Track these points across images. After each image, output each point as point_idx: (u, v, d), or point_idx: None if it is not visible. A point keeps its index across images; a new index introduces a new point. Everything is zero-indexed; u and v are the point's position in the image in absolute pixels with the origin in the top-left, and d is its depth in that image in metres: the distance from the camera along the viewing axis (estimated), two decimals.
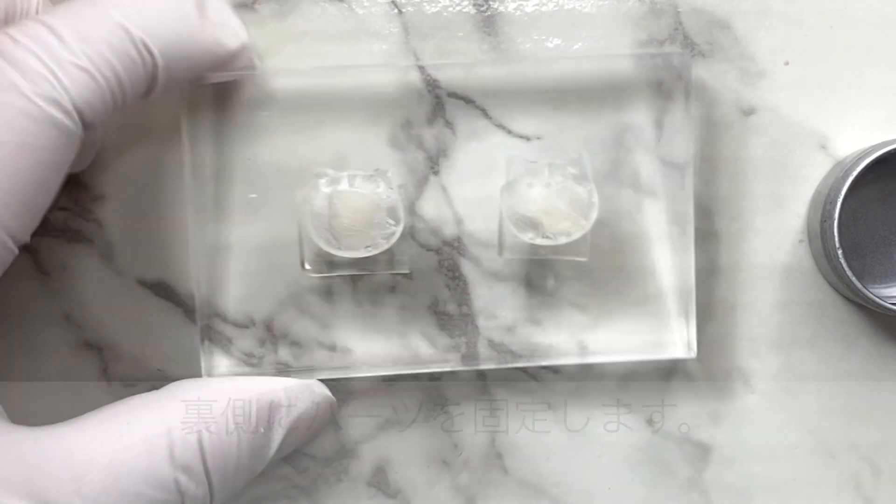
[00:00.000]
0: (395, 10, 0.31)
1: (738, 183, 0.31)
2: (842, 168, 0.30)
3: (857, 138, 0.31)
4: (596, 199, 0.28)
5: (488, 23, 0.31)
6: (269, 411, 0.26)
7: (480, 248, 0.31)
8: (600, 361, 0.31)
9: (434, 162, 0.31)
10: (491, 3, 0.31)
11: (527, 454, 0.32)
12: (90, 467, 0.22)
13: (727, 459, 0.32)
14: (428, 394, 0.32)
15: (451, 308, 0.31)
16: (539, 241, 0.28)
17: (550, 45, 0.31)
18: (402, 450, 0.32)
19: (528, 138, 0.31)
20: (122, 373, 0.31)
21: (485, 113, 0.31)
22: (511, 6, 0.31)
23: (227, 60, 0.27)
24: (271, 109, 0.30)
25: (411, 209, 0.31)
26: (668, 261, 0.30)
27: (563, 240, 0.28)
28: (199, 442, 0.24)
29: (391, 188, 0.28)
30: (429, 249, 0.31)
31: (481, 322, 0.31)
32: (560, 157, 0.29)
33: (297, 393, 0.27)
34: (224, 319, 0.30)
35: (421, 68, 0.30)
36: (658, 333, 0.31)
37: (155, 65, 0.25)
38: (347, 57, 0.31)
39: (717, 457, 0.32)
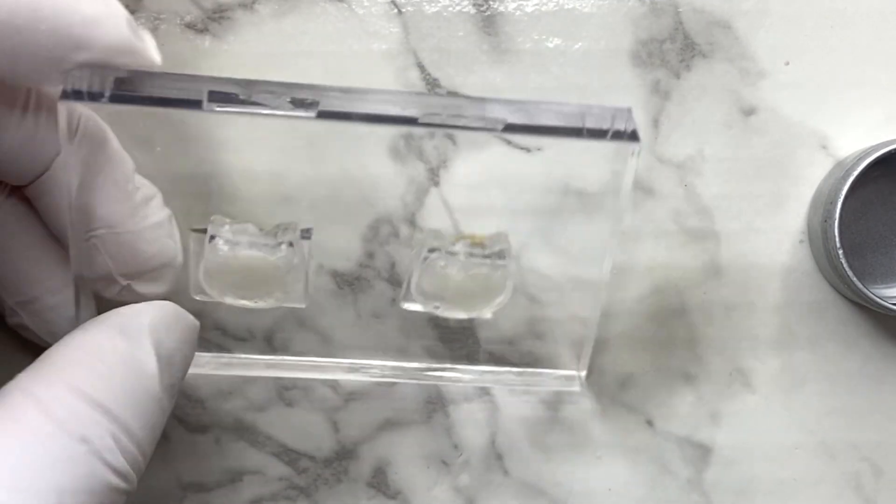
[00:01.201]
0: (395, 10, 0.31)
1: (739, 183, 0.31)
2: (842, 168, 0.30)
3: (857, 138, 0.31)
4: (509, 282, 0.27)
5: (488, 23, 0.31)
6: (116, 329, 0.23)
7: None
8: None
9: (434, 173, 0.31)
10: (491, 2, 0.31)
11: (527, 455, 0.32)
12: None
13: (727, 460, 0.32)
14: (428, 394, 0.32)
15: (452, 320, 0.31)
16: (442, 314, 0.28)
17: (550, 45, 0.31)
18: (402, 450, 0.32)
19: (528, 150, 0.30)
20: None
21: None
22: (511, 6, 0.31)
23: (87, 37, 0.22)
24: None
25: (411, 220, 0.31)
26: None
27: (465, 315, 0.28)
28: (64, 384, 0.22)
29: (291, 245, 0.26)
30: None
31: (482, 334, 0.31)
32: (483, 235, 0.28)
33: (137, 309, 0.24)
34: (224, 332, 0.30)
35: (424, 74, 0.30)
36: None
37: None
38: (347, 57, 0.31)
39: (718, 457, 0.32)
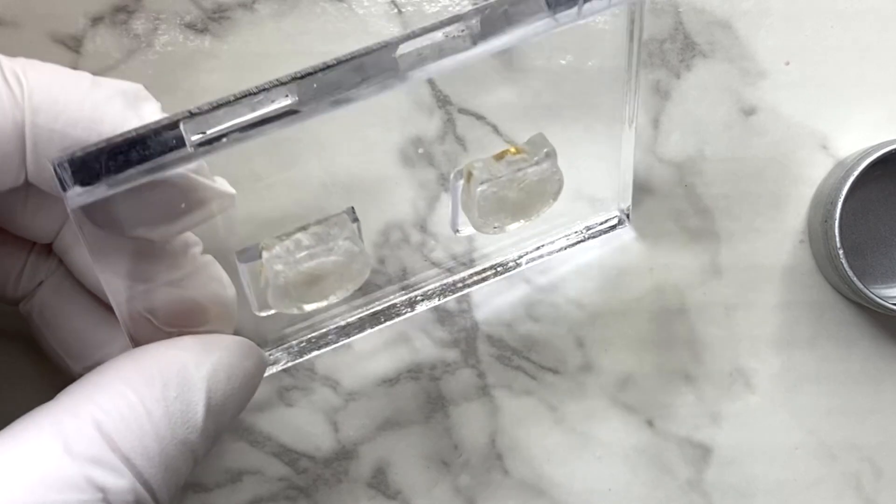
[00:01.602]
0: (395, 10, 0.31)
1: (739, 183, 0.31)
2: (843, 168, 0.30)
3: (858, 138, 0.31)
4: (560, 175, 0.27)
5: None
6: (172, 372, 0.22)
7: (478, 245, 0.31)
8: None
9: (445, 178, 0.31)
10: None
11: (527, 455, 0.32)
12: None
13: (728, 460, 0.32)
14: (428, 394, 0.32)
15: (451, 303, 0.31)
16: (500, 231, 0.27)
17: (563, 63, 0.31)
18: (402, 451, 0.32)
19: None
20: None
21: (495, 129, 0.31)
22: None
23: None
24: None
25: (422, 226, 0.31)
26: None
27: (526, 220, 0.27)
28: (97, 427, 0.21)
29: (352, 237, 0.25)
30: (439, 267, 0.31)
31: (480, 317, 0.31)
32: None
33: (203, 347, 0.23)
34: None
35: (431, 83, 0.30)
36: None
37: (23, 110, 0.20)
38: None
39: (718, 458, 0.32)
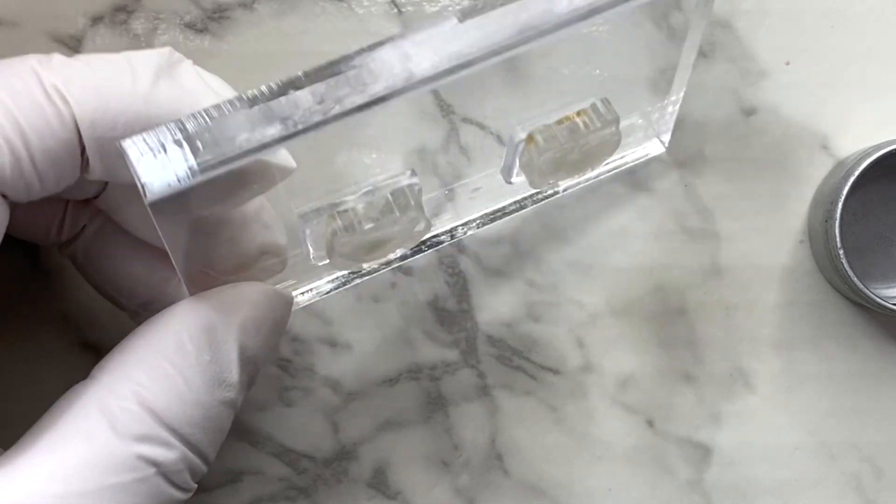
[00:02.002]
0: (395, 10, 0.31)
1: (739, 183, 0.31)
2: (843, 168, 0.30)
3: (858, 138, 0.31)
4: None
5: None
6: (203, 337, 0.22)
7: (480, 245, 0.31)
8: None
9: (448, 188, 0.30)
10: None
11: (527, 455, 0.32)
12: (32, 491, 0.20)
13: (728, 461, 0.32)
14: (428, 394, 0.32)
15: (451, 304, 0.31)
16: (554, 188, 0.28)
17: (566, 72, 0.31)
18: (402, 451, 0.32)
19: None
20: None
21: (499, 139, 0.31)
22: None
23: None
24: None
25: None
26: None
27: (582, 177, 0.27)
28: (140, 404, 0.21)
29: (416, 205, 0.25)
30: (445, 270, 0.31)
31: (480, 318, 0.31)
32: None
33: (229, 304, 0.23)
34: None
35: (435, 92, 0.30)
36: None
37: (74, 123, 0.20)
38: None
39: (718, 458, 0.32)
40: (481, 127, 0.31)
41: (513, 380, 0.32)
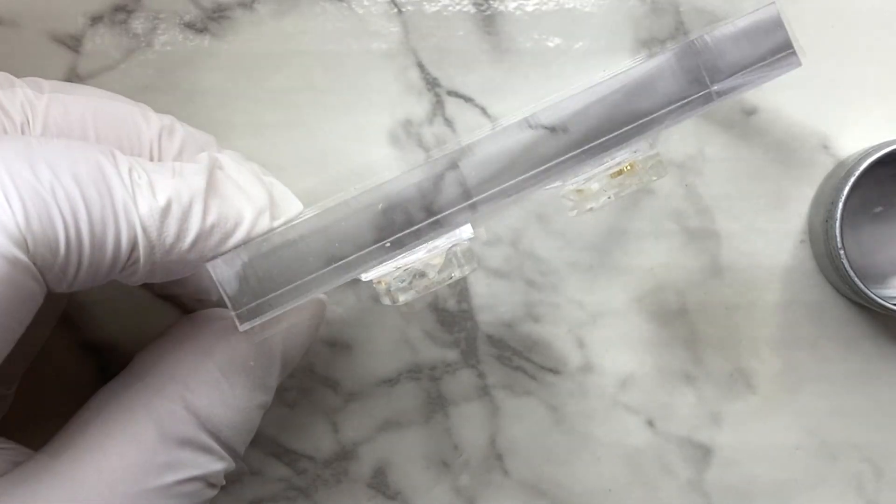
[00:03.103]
0: (395, 10, 0.31)
1: (740, 183, 0.31)
2: (844, 168, 0.30)
3: (859, 138, 0.31)
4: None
5: (488, 22, 0.31)
6: (251, 344, 0.24)
7: (480, 245, 0.31)
8: None
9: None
10: (491, 2, 0.31)
11: (527, 455, 0.32)
12: (79, 495, 0.20)
13: (728, 461, 0.32)
14: (428, 394, 0.32)
15: (451, 304, 0.31)
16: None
17: (551, 45, 0.31)
18: (402, 451, 0.32)
19: (553, 129, 0.30)
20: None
21: (484, 111, 0.31)
22: (511, 5, 0.31)
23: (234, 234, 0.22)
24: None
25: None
26: None
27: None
28: (187, 409, 0.22)
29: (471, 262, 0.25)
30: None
31: (480, 318, 0.31)
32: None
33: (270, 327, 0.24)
34: None
35: (424, 73, 0.30)
36: None
37: (135, 242, 0.20)
38: (347, 56, 0.31)
39: (718, 458, 0.32)
40: (466, 100, 0.31)
41: (513, 380, 0.32)
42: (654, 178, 0.26)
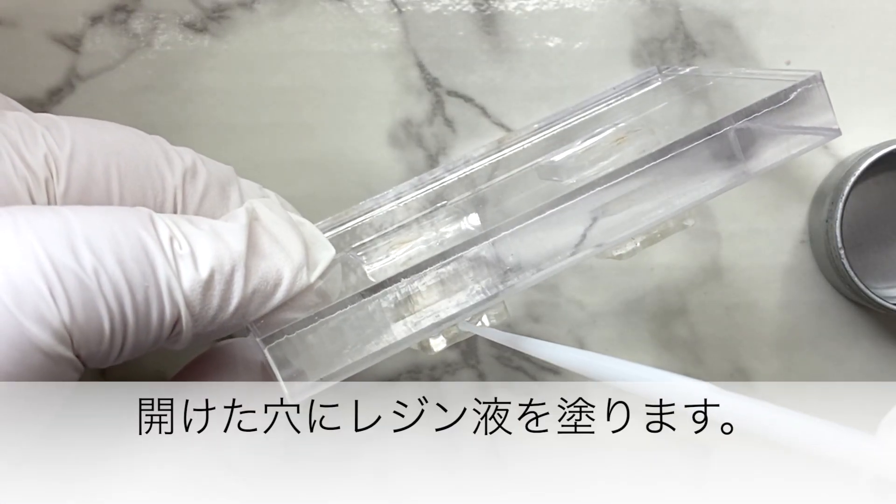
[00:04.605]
0: (395, 10, 0.31)
1: None
2: (844, 168, 0.30)
3: (859, 138, 0.31)
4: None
5: (488, 22, 0.31)
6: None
7: None
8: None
9: (434, 160, 0.31)
10: (491, 2, 0.31)
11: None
12: None
13: (729, 461, 0.32)
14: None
15: None
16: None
17: (551, 45, 0.31)
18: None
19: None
20: (122, 373, 0.31)
21: (484, 111, 0.31)
22: (511, 5, 0.31)
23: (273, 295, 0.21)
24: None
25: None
26: None
27: None
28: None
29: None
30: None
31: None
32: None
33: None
34: None
35: (424, 73, 0.30)
36: None
37: (178, 316, 0.20)
38: (347, 56, 0.31)
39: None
40: (466, 100, 0.31)
41: (513, 380, 0.32)
42: (682, 228, 0.26)
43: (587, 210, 0.22)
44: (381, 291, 0.22)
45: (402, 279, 0.22)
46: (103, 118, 0.25)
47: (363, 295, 0.22)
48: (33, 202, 0.20)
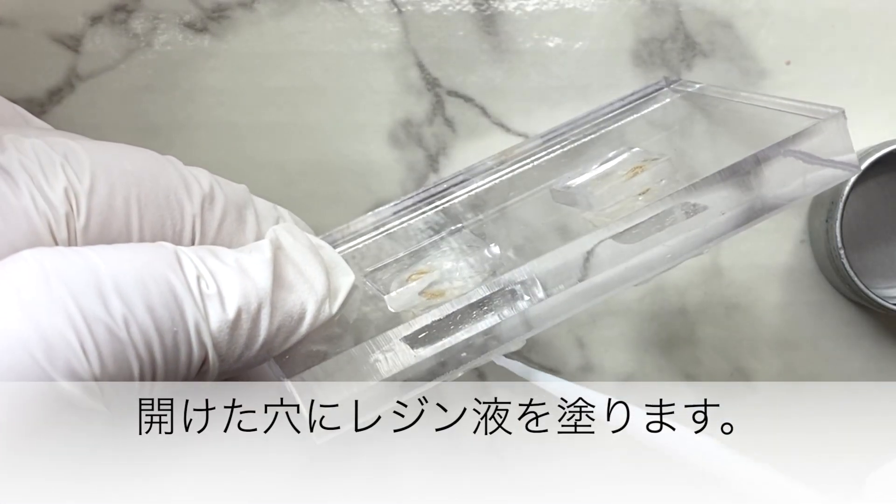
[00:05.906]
0: (395, 10, 0.31)
1: None
2: None
3: (859, 139, 0.31)
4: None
5: (488, 22, 0.31)
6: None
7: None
8: None
9: (434, 160, 0.31)
10: (491, 2, 0.31)
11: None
12: None
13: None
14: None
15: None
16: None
17: (551, 45, 0.31)
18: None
19: (526, 136, 0.31)
20: None
21: (484, 111, 0.31)
22: (511, 5, 0.31)
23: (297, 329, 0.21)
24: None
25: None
26: None
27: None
28: None
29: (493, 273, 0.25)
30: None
31: None
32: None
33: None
34: None
35: (424, 73, 0.30)
36: None
37: (205, 357, 0.20)
38: (347, 56, 0.31)
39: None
40: (466, 100, 0.31)
41: (513, 380, 0.32)
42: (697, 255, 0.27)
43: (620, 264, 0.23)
44: (416, 347, 0.23)
45: (444, 338, 0.23)
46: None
47: (409, 342, 0.23)
48: (54, 239, 0.19)
